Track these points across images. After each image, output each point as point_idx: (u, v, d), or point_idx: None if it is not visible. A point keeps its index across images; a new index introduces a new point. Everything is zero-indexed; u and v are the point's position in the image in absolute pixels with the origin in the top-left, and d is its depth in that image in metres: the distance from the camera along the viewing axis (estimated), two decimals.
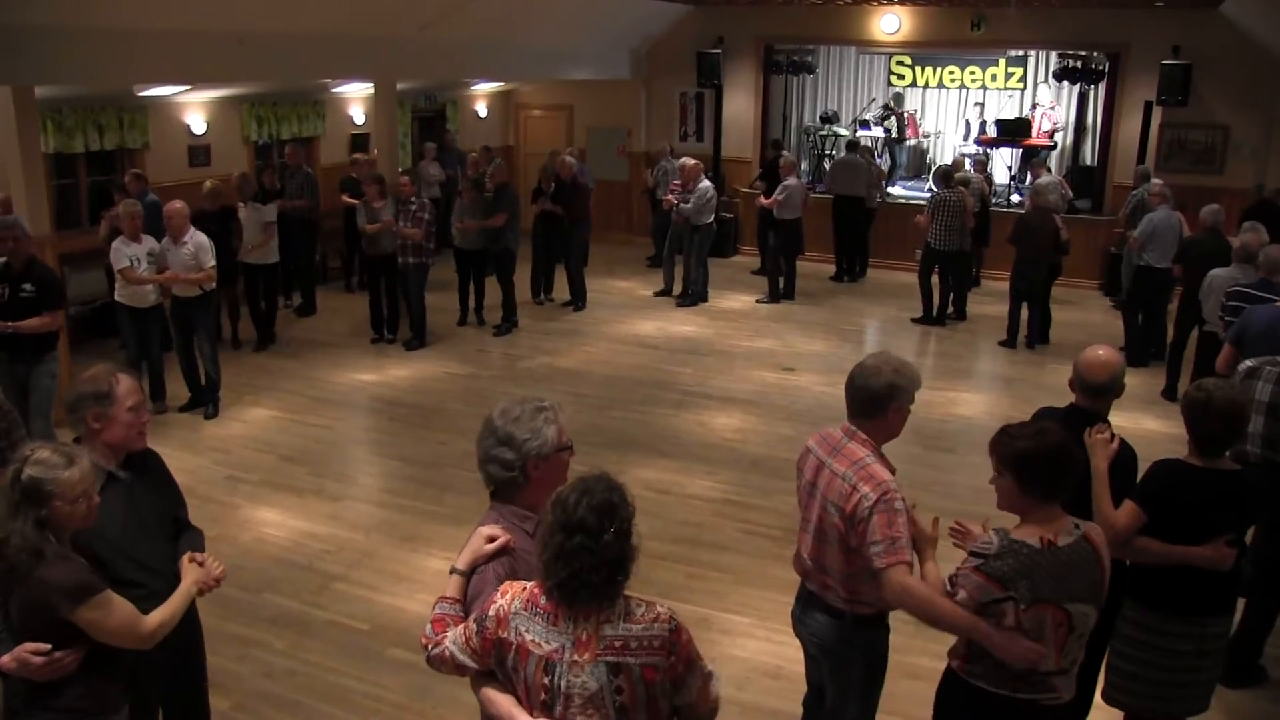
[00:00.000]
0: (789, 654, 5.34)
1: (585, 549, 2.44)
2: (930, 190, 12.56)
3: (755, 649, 5.40)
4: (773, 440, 8.36)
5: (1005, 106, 15.93)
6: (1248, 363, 4.96)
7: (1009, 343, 11.10)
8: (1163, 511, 3.71)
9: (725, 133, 15.63)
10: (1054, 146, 15.22)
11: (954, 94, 16.71)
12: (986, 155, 15.27)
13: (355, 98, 14.31)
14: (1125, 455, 3.90)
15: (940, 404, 9.17)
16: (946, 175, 11.92)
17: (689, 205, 12.29)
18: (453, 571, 2.83)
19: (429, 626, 2.76)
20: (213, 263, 8.50)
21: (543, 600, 2.54)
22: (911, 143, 16.49)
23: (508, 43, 13.19)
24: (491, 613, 2.59)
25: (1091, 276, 13.67)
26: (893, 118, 16.20)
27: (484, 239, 11.16)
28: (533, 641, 2.52)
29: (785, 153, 14.02)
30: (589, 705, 2.49)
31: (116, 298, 8.54)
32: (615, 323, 11.91)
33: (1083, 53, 14.12)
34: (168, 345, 8.87)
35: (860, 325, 12.12)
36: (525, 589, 2.59)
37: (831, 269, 14.37)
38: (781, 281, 12.99)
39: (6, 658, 2.90)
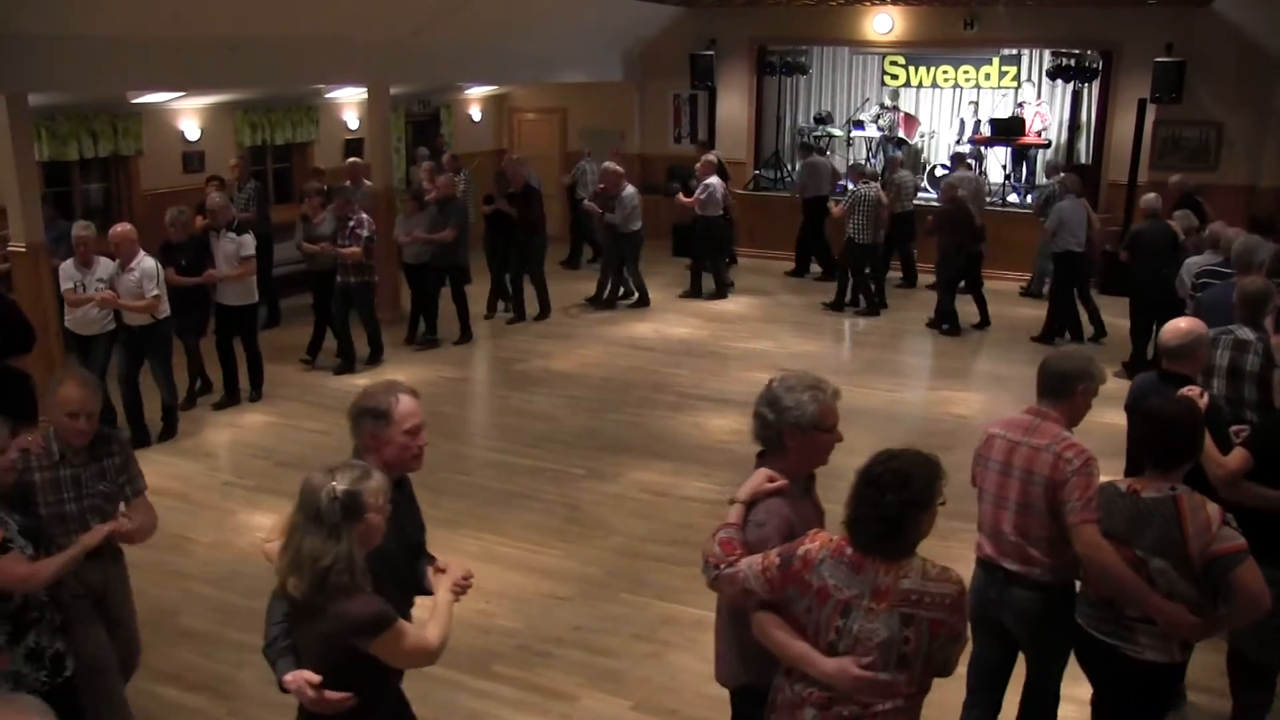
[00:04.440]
0: None
1: (869, 501, 2.81)
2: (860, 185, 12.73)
3: None
4: None
5: (999, 105, 15.92)
6: (1210, 332, 5.33)
7: (936, 324, 11.60)
8: (1262, 464, 4.13)
9: (719, 134, 15.62)
10: (1047, 145, 15.22)
11: (948, 93, 16.68)
12: (980, 154, 15.31)
13: (349, 103, 14.30)
14: (1214, 410, 4.39)
15: (939, 403, 9.19)
16: (861, 171, 12.67)
17: (615, 215, 12.21)
18: (733, 501, 3.19)
19: (717, 547, 3.07)
20: (156, 291, 7.92)
21: (849, 551, 2.85)
22: (914, 140, 16.46)
23: (501, 46, 13.20)
24: (799, 552, 2.90)
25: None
26: (889, 115, 16.21)
27: (429, 252, 10.73)
28: (834, 586, 2.83)
29: (713, 153, 13.93)
30: (874, 651, 2.78)
31: (65, 323, 8.09)
32: (610, 325, 11.92)
33: (1076, 51, 14.14)
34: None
35: (855, 326, 12.11)
36: (832, 539, 2.92)
37: (812, 270, 14.46)
38: (711, 279, 13.12)
39: (289, 676, 2.90)
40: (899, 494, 2.77)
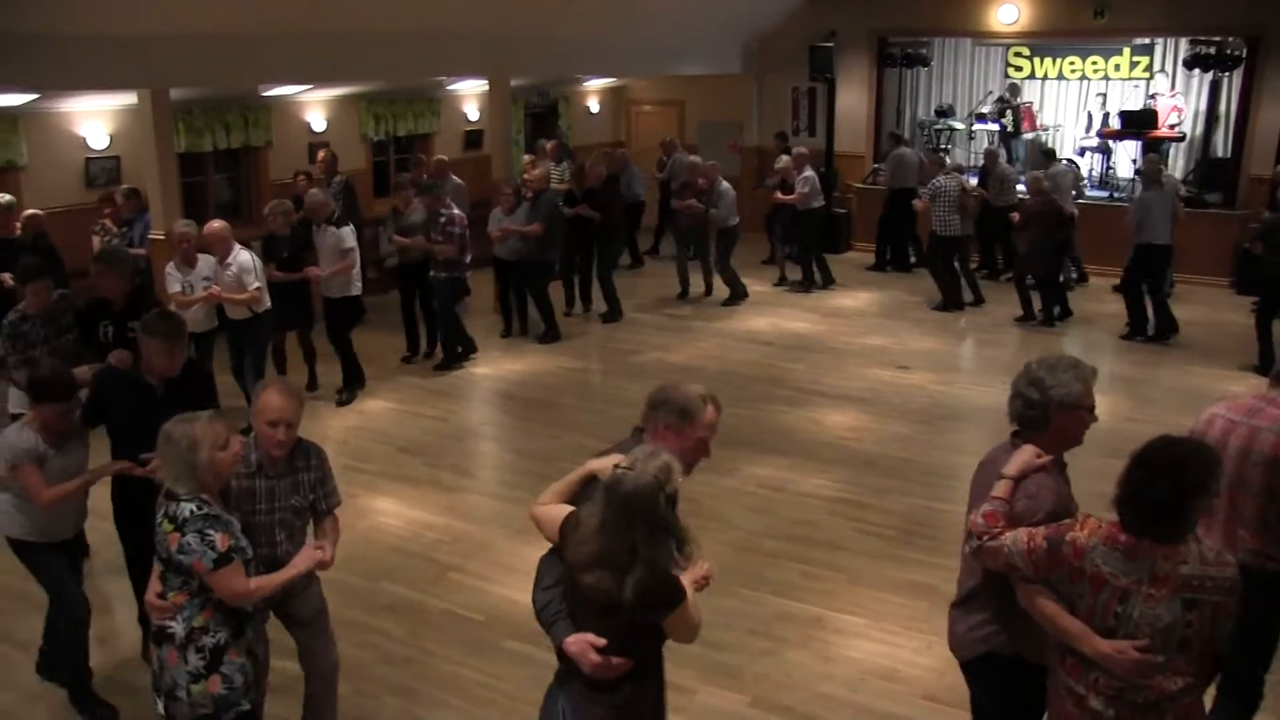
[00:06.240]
0: (904, 656, 5.27)
1: (1141, 482, 2.86)
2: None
3: (870, 650, 5.32)
4: (887, 439, 8.22)
5: (1129, 98, 15.35)
6: None
7: (1027, 318, 11.51)
8: None
9: (838, 127, 15.37)
10: (1181, 138, 14.61)
11: (1074, 85, 16.17)
12: (1108, 147, 14.82)
13: (469, 94, 14.51)
14: None
15: None
16: (941, 164, 12.69)
17: (719, 211, 12.06)
18: (1002, 476, 3.24)
19: (981, 519, 3.16)
20: (258, 284, 7.97)
21: (1121, 537, 2.90)
22: (1029, 136, 16.02)
23: (620, 38, 13.23)
24: (1068, 538, 2.96)
25: (1221, 274, 13.07)
26: (1009, 111, 15.78)
27: (525, 248, 10.57)
28: (1110, 574, 2.89)
29: (799, 148, 13.54)
30: (1155, 635, 2.84)
31: None
32: (727, 318, 11.85)
33: (1217, 38, 13.47)
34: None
35: (974, 323, 11.83)
36: (1102, 525, 2.97)
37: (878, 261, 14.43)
38: (815, 271, 13.11)
39: (571, 639, 2.98)
40: (1174, 480, 2.82)
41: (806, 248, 13.03)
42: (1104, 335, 11.08)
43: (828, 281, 13.17)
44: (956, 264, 12.25)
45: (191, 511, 3.45)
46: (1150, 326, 10.85)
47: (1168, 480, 2.81)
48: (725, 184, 12.31)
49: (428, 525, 6.76)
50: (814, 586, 5.96)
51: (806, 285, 13.07)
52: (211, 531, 3.44)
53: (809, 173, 12.68)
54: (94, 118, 10.30)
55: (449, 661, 5.23)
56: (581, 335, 11.17)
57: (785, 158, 13.01)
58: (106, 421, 4.92)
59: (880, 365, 10.07)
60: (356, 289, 9.07)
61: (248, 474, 3.93)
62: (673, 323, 11.68)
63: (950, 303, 12.18)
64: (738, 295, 12.49)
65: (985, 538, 3.14)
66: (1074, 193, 12.64)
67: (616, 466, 2.94)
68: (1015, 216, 11.79)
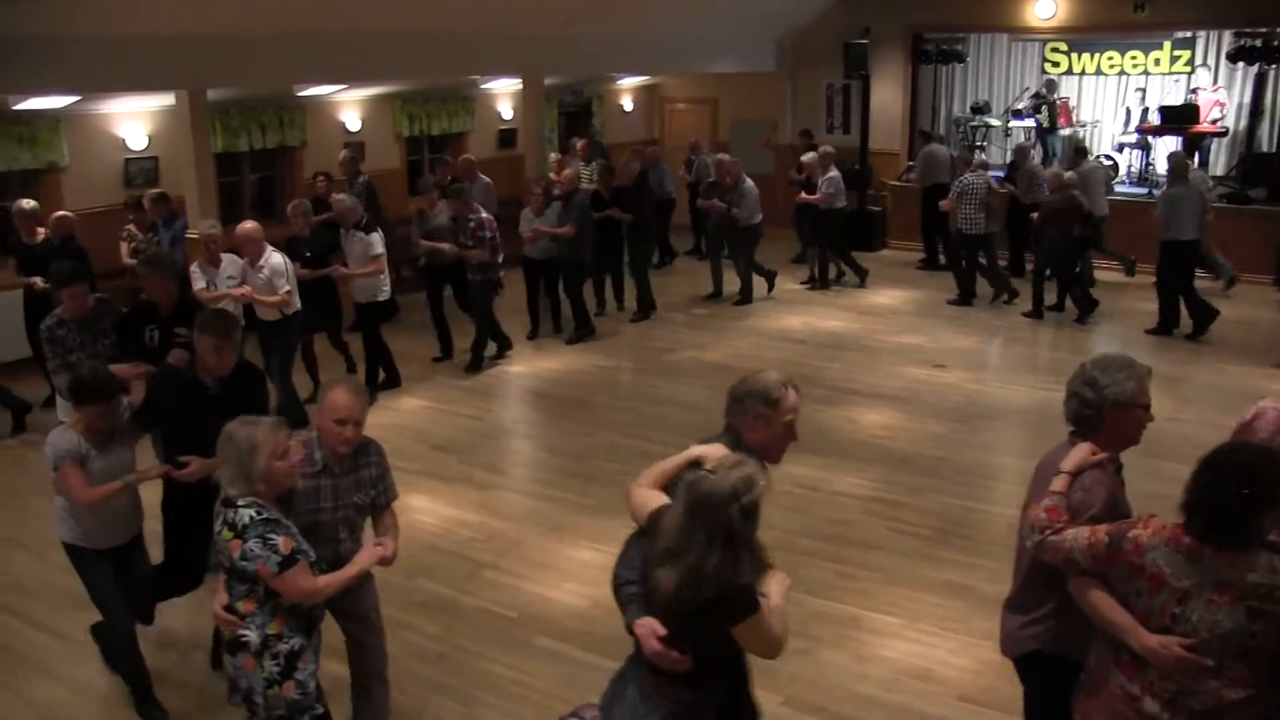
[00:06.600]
0: (939, 656, 5.24)
1: (1208, 487, 2.82)
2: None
3: (905, 650, 5.28)
4: (922, 438, 8.16)
5: (1169, 92, 15.15)
6: None
7: (1035, 313, 11.51)
8: None
9: (873, 124, 15.27)
10: (1224, 133, 14.38)
11: (1113, 80, 15.97)
12: (1147, 143, 14.63)
13: (503, 93, 14.55)
14: None
15: None
16: (968, 161, 12.41)
17: (741, 210, 11.95)
18: (1059, 471, 3.25)
19: (1043, 514, 3.17)
20: (288, 287, 7.91)
21: (1185, 540, 2.85)
22: (1066, 132, 15.85)
23: (652, 36, 13.23)
24: (1130, 535, 2.95)
25: (1265, 270, 12.84)
26: (1044, 107, 15.62)
27: (557, 247, 10.42)
28: (1171, 575, 2.86)
29: (825, 146, 13.38)
30: (1214, 640, 2.80)
31: None
32: (762, 317, 11.82)
33: (1263, 30, 13.21)
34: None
35: (1008, 321, 11.72)
36: (1165, 527, 2.93)
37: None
38: (840, 268, 13.15)
39: (641, 621, 3.01)
40: (1241, 486, 2.76)
41: (830, 247, 12.98)
42: (1137, 333, 10.92)
43: (861, 279, 13.12)
44: (983, 260, 12.17)
45: (251, 518, 3.45)
46: (1185, 326, 10.72)
47: (1234, 486, 2.76)
48: (749, 182, 12.20)
49: (462, 523, 6.78)
50: (849, 586, 5.93)
51: (820, 283, 13.03)
52: (273, 535, 3.45)
53: (834, 173, 12.58)
54: (133, 119, 10.43)
55: (482, 659, 5.24)
56: (615, 334, 11.17)
57: (811, 154, 12.96)
58: (162, 423, 4.95)
59: (915, 363, 10.01)
60: (385, 293, 9.08)
61: (313, 473, 3.90)
62: (706, 321, 11.67)
63: (965, 298, 12.17)
64: (750, 297, 12.40)
65: (1047, 532, 3.13)
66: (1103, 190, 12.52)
67: (702, 467, 2.92)
68: (1035, 216, 11.68)
